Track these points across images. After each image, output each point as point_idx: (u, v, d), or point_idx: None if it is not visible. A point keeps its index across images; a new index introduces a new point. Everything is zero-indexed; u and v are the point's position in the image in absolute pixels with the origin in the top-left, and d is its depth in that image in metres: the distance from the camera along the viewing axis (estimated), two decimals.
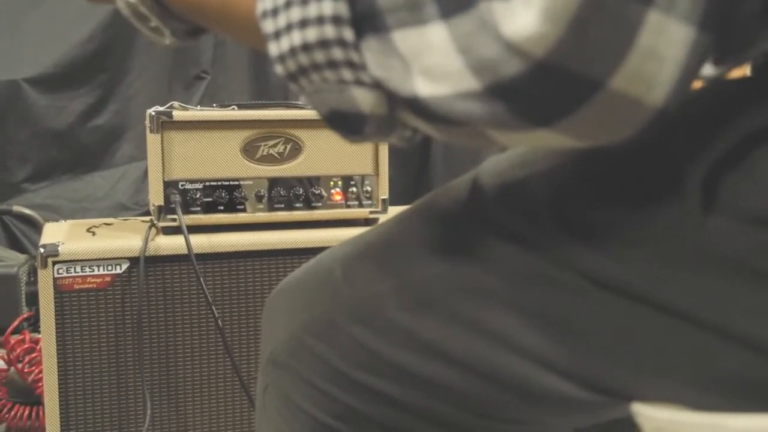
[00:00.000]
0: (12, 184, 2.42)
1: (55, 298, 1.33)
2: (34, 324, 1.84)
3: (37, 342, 1.74)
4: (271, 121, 1.46)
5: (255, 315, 1.43)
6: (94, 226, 1.52)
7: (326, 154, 1.49)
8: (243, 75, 2.65)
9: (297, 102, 1.57)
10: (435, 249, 0.61)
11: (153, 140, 1.39)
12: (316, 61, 0.46)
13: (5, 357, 1.75)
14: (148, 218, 1.49)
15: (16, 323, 1.82)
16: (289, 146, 1.47)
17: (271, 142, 1.46)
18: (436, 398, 0.62)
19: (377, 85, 0.45)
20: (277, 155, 1.46)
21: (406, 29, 0.42)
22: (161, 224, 1.41)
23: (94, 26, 2.43)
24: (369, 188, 1.52)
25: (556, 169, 0.54)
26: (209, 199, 1.44)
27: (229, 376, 1.43)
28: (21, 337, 1.79)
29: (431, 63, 0.41)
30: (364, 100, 0.46)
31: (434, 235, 0.62)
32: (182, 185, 1.42)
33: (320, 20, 0.45)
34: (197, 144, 1.42)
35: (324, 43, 0.45)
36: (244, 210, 1.46)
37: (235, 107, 1.50)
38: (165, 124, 1.40)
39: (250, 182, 1.46)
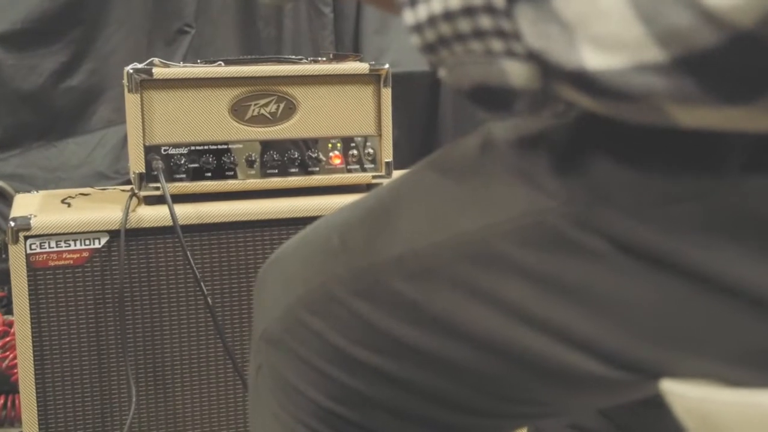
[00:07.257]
0: None
1: (28, 276, 1.34)
2: (7, 305, 1.84)
3: (10, 324, 1.74)
4: (262, 77, 1.45)
5: (248, 291, 1.43)
6: (70, 197, 1.52)
7: (323, 113, 1.48)
8: (230, 28, 2.62)
9: (290, 56, 1.55)
10: (442, 212, 0.60)
11: (132, 101, 1.39)
12: (459, 30, 0.45)
13: None
14: (128, 187, 1.49)
15: None
16: (282, 105, 1.46)
17: (263, 101, 1.45)
18: (445, 377, 0.61)
19: (532, 57, 0.44)
20: (269, 115, 1.46)
21: None
22: (143, 193, 1.41)
23: None
24: (371, 151, 1.51)
25: (579, 120, 0.54)
26: (195, 165, 1.43)
27: (221, 359, 1.43)
28: None
29: (602, 31, 0.40)
30: (516, 73, 0.45)
31: (441, 197, 0.61)
32: (165, 150, 1.42)
33: None
34: (181, 104, 1.41)
35: (469, 11, 0.44)
36: (234, 176, 1.45)
37: (222, 63, 1.49)
38: (145, 82, 1.39)
39: (240, 146, 1.45)
